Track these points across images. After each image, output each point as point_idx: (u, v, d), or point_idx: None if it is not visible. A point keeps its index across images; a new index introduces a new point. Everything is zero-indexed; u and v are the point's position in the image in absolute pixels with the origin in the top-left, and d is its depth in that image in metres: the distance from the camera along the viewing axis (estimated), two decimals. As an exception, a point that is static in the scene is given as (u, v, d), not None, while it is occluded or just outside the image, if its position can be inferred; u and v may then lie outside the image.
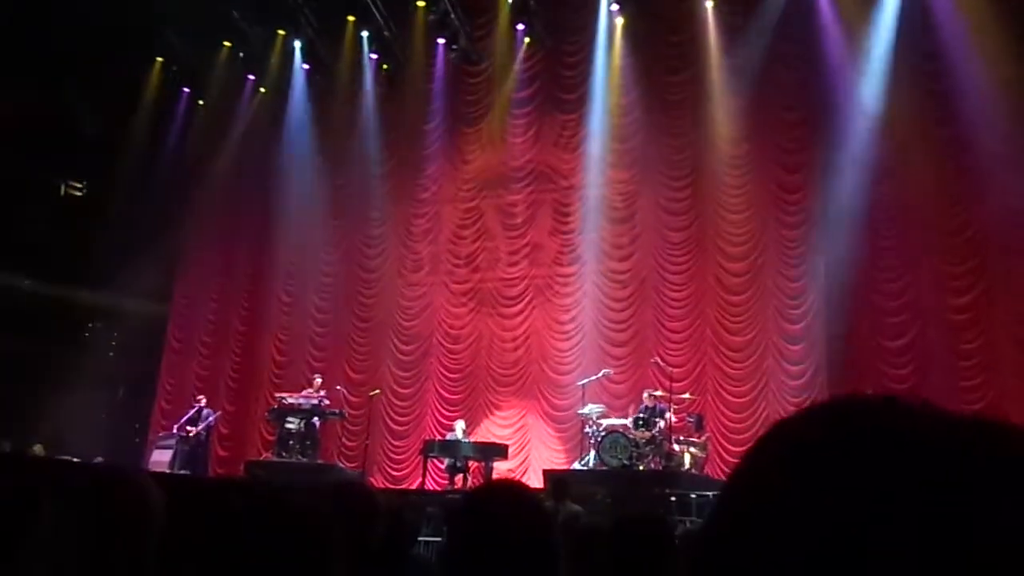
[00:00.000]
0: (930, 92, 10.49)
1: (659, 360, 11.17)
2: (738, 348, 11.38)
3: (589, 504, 7.65)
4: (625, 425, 10.26)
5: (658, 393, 10.45)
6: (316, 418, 12.17)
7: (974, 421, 0.44)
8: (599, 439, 10.23)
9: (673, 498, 8.60)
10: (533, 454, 12.21)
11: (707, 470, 10.22)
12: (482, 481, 10.10)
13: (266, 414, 13.09)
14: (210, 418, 12.53)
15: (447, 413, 12.67)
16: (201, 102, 15.39)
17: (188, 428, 12.17)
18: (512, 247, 13.27)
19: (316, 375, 12.74)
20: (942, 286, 10.44)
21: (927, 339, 10.34)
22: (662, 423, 10.10)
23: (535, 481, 10.59)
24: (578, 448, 11.20)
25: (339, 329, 13.86)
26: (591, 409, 10.74)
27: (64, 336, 13.97)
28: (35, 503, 1.56)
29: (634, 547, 2.29)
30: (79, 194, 15.63)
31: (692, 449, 10.06)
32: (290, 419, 12.10)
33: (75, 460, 8.49)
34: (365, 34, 14.11)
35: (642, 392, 10.68)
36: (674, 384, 10.60)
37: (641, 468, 9.88)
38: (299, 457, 11.90)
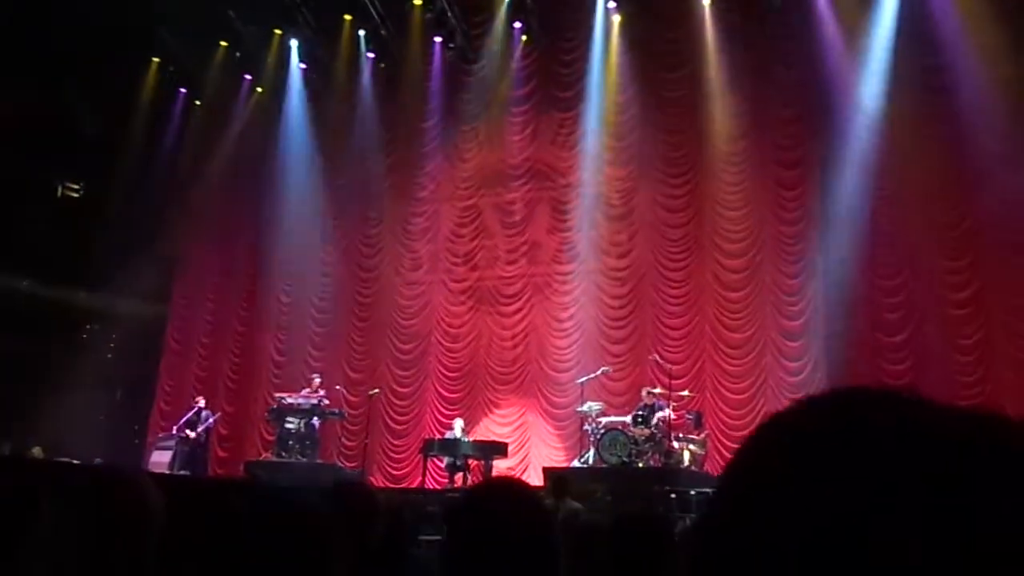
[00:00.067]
0: (927, 88, 10.49)
1: (658, 357, 11.18)
2: (737, 345, 11.39)
3: (589, 502, 7.65)
4: (624, 422, 10.27)
5: (657, 390, 10.46)
6: (315, 418, 12.17)
7: (974, 414, 0.45)
8: (598, 437, 10.24)
9: (673, 495, 8.60)
10: (533, 452, 12.22)
11: (706, 467, 10.23)
12: (482, 479, 10.11)
13: (265, 414, 13.09)
14: (209, 420, 12.51)
15: (446, 412, 12.68)
16: (198, 102, 15.37)
17: (188, 430, 12.16)
18: (510, 245, 13.27)
19: (315, 375, 12.74)
20: (940, 281, 10.45)
21: (925, 335, 10.36)
22: (661, 420, 10.11)
23: (535, 479, 10.60)
24: (577, 446, 11.21)
25: (338, 328, 13.86)
26: (590, 407, 10.74)
27: (62, 337, 13.96)
28: (34, 504, 1.56)
29: (634, 544, 2.29)
30: (76, 195, 15.60)
31: (691, 446, 10.07)
32: (289, 419, 12.10)
33: (75, 462, 8.47)
34: (362, 33, 14.10)
35: (641, 389, 10.68)
36: (673, 381, 10.61)
37: (640, 465, 9.89)
38: (299, 457, 11.90)
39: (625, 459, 9.89)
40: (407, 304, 13.66)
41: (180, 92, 15.32)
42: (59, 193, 15.49)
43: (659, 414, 10.16)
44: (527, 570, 1.36)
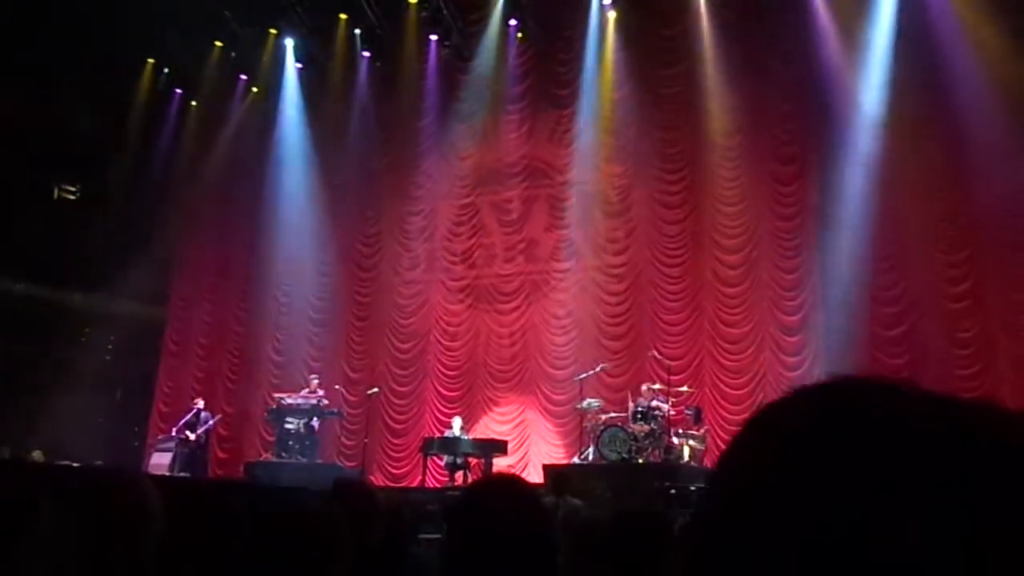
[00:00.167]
0: (925, 84, 10.49)
1: (656, 353, 11.18)
2: (735, 340, 11.40)
3: (589, 498, 7.66)
4: (624, 419, 10.29)
5: (656, 386, 10.47)
6: (315, 418, 12.17)
7: (972, 405, 0.44)
8: (598, 433, 10.25)
9: (673, 491, 8.61)
10: (532, 449, 12.23)
11: (706, 463, 10.23)
12: (482, 477, 10.11)
13: (265, 415, 13.09)
14: (209, 422, 12.50)
15: (446, 410, 12.68)
16: (194, 103, 15.35)
17: (187, 432, 12.16)
18: (508, 243, 13.27)
19: (313, 375, 12.73)
20: (937, 276, 10.47)
21: (923, 328, 10.37)
22: (660, 416, 10.13)
23: (535, 476, 10.61)
24: (577, 442, 11.22)
25: (336, 328, 13.86)
26: (589, 403, 10.76)
27: (60, 339, 13.93)
28: (34, 507, 1.56)
29: (634, 541, 2.30)
30: (73, 197, 15.58)
31: (691, 442, 10.08)
32: (289, 419, 12.11)
33: (74, 464, 8.46)
34: (357, 32, 14.08)
35: (640, 386, 10.70)
36: (672, 377, 10.62)
37: (640, 461, 9.90)
38: (298, 457, 11.91)
39: (625, 455, 9.90)
40: (405, 303, 13.66)
41: (176, 93, 15.31)
42: (55, 195, 15.47)
43: (658, 410, 10.17)
44: (526, 566, 1.37)
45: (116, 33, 13.05)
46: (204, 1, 13.46)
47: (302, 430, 12.03)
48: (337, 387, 12.81)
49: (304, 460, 11.85)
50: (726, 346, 11.43)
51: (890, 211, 10.69)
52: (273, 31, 14.40)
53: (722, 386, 11.31)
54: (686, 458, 9.95)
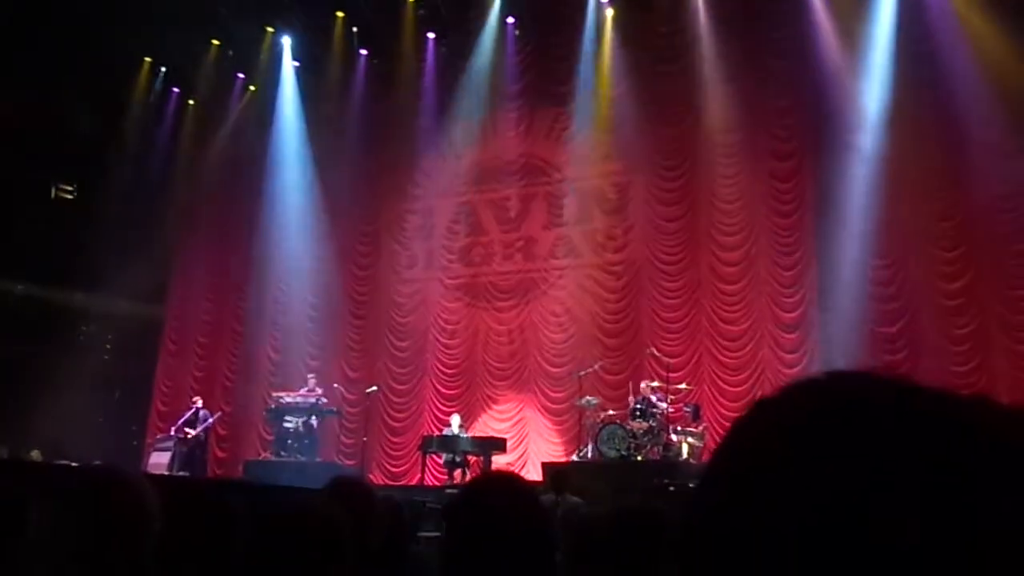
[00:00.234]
0: (923, 80, 10.49)
1: (655, 351, 11.19)
2: (734, 337, 11.41)
3: (588, 496, 7.66)
4: (623, 416, 10.30)
5: (655, 384, 10.48)
6: (314, 416, 12.18)
7: (970, 399, 0.45)
8: (597, 430, 10.26)
9: (672, 488, 8.62)
10: (531, 447, 12.24)
11: (705, 459, 10.25)
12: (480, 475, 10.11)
13: (264, 414, 13.09)
14: (208, 420, 12.50)
15: (444, 408, 12.69)
16: (191, 102, 15.34)
17: (186, 430, 12.16)
18: (506, 241, 13.28)
19: (310, 374, 12.73)
20: (934, 272, 10.48)
21: (920, 325, 10.39)
22: (659, 413, 10.14)
23: (534, 474, 10.62)
24: (576, 440, 11.23)
25: (335, 327, 13.85)
26: (588, 401, 10.77)
27: (58, 339, 13.92)
28: (31, 506, 1.56)
29: (633, 538, 2.30)
30: (70, 196, 15.56)
31: (690, 439, 10.09)
32: (288, 418, 12.11)
33: (73, 464, 8.46)
34: (355, 30, 14.06)
35: (639, 383, 10.71)
36: (670, 374, 10.63)
37: (639, 459, 9.91)
38: (297, 456, 11.91)
39: (624, 453, 9.91)
40: (403, 301, 13.67)
41: (173, 92, 15.29)
42: (53, 194, 15.45)
43: (657, 407, 10.18)
44: (525, 564, 1.37)
45: (113, 33, 13.02)
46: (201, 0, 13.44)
47: (301, 429, 12.03)
48: (336, 386, 12.81)
49: (303, 459, 11.85)
50: (724, 343, 11.44)
51: (888, 208, 10.69)
52: (270, 29, 14.38)
53: (721, 383, 11.32)
54: (685, 455, 9.96)
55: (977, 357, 10.03)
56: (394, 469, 12.90)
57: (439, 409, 12.84)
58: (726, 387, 11.27)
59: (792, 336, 11.12)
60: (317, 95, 14.45)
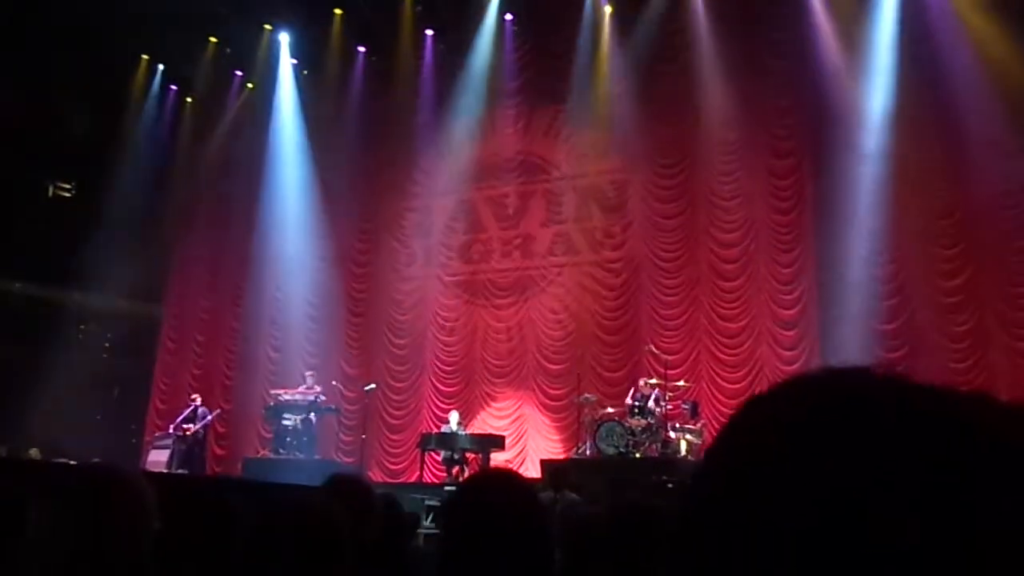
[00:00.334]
0: (922, 78, 10.48)
1: (653, 348, 11.20)
2: (732, 335, 11.42)
3: (587, 493, 7.68)
4: (621, 413, 10.31)
5: (653, 381, 10.49)
6: (312, 414, 12.18)
7: (970, 396, 0.45)
8: (595, 428, 10.27)
9: (670, 485, 8.63)
10: (530, 444, 12.25)
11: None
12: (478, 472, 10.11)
13: (262, 411, 13.09)
14: (207, 417, 12.50)
15: (443, 405, 12.69)
16: (189, 99, 15.32)
17: (185, 428, 12.16)
18: (504, 238, 13.28)
19: (309, 372, 12.73)
20: (933, 269, 10.49)
21: (919, 322, 10.40)
22: (658, 411, 10.15)
23: (532, 471, 10.64)
24: (574, 437, 11.24)
25: (333, 324, 13.85)
26: (586, 398, 10.78)
27: (57, 338, 13.90)
28: (30, 505, 1.56)
29: (631, 535, 2.30)
30: (68, 195, 15.54)
31: (688, 436, 10.10)
32: (286, 416, 12.11)
33: (71, 462, 8.46)
34: (353, 27, 14.04)
35: (637, 380, 10.72)
36: (669, 371, 10.64)
37: (638, 456, 9.92)
38: (296, 454, 11.91)
39: (622, 450, 9.92)
40: (402, 299, 13.66)
41: (171, 90, 15.26)
42: (51, 193, 15.43)
43: (656, 404, 10.19)
44: (522, 560, 1.37)
45: (110, 31, 13.00)
46: (198, -3, 13.41)
47: (299, 426, 12.03)
48: (334, 383, 12.81)
49: (302, 456, 11.85)
50: (723, 340, 11.45)
51: (887, 205, 10.69)
52: (268, 27, 14.36)
53: (719, 380, 11.33)
54: (683, 452, 9.97)
55: (976, 354, 10.05)
56: (393, 466, 12.91)
57: (438, 406, 12.85)
58: (725, 384, 11.28)
59: (791, 333, 11.13)
60: (315, 93, 14.44)
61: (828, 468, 0.41)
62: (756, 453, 0.44)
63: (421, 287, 13.61)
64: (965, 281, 10.31)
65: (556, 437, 12.09)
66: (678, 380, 10.72)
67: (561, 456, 11.14)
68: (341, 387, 12.97)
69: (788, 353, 11.06)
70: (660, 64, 12.37)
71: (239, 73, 14.98)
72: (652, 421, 10.08)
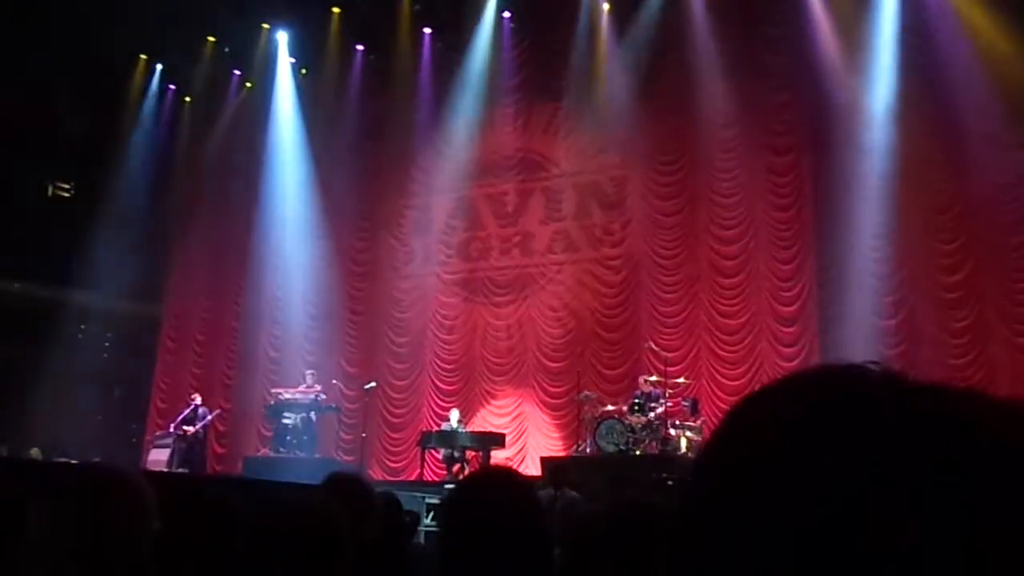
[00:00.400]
0: (920, 73, 10.48)
1: (653, 345, 11.20)
2: (732, 331, 11.42)
3: (587, 490, 7.68)
4: (621, 410, 10.31)
5: (653, 378, 10.49)
6: (312, 413, 12.18)
7: (970, 396, 0.44)
8: (595, 425, 10.27)
9: (670, 482, 8.63)
10: (530, 442, 12.26)
11: (704, 454, 10.25)
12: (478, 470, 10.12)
13: (262, 410, 13.10)
14: (208, 417, 12.51)
15: (443, 403, 12.70)
16: (187, 99, 15.30)
17: (185, 427, 12.16)
18: (504, 236, 13.27)
19: (309, 371, 12.73)
20: (933, 265, 10.50)
21: (919, 317, 10.40)
22: (657, 408, 10.15)
23: (533, 469, 10.64)
24: (574, 435, 11.25)
25: (333, 323, 13.85)
26: (586, 395, 10.78)
27: (57, 337, 13.91)
28: (31, 505, 1.56)
29: (631, 533, 2.30)
30: (67, 194, 15.54)
31: (688, 433, 10.10)
32: (287, 414, 12.12)
33: (72, 462, 8.47)
34: (351, 25, 14.02)
35: (637, 378, 10.72)
36: (669, 368, 10.64)
37: (638, 453, 9.93)
38: (296, 452, 11.92)
39: (622, 447, 9.93)
40: (401, 297, 13.66)
41: (169, 89, 15.25)
42: (50, 193, 15.42)
43: (655, 402, 10.20)
44: (522, 558, 1.37)
45: (109, 30, 12.98)
46: (196, -4, 13.40)
47: (300, 425, 12.04)
48: (334, 382, 12.80)
49: (302, 455, 11.85)
50: (723, 337, 11.45)
51: (886, 201, 10.69)
52: (266, 26, 14.34)
53: (719, 377, 11.34)
54: (683, 449, 9.97)
55: (976, 349, 10.05)
56: (393, 465, 12.91)
57: (438, 404, 12.85)
58: (724, 381, 11.29)
59: (790, 330, 11.13)
60: (314, 91, 14.43)
61: (827, 466, 0.41)
62: (755, 450, 0.44)
63: (421, 285, 13.61)
64: (965, 276, 10.31)
65: (556, 435, 12.10)
66: (678, 377, 10.72)
67: (561, 454, 11.14)
68: (341, 386, 12.97)
69: (788, 350, 11.06)
70: (659, 61, 12.35)
71: (238, 72, 14.97)
72: (652, 418, 10.08)
